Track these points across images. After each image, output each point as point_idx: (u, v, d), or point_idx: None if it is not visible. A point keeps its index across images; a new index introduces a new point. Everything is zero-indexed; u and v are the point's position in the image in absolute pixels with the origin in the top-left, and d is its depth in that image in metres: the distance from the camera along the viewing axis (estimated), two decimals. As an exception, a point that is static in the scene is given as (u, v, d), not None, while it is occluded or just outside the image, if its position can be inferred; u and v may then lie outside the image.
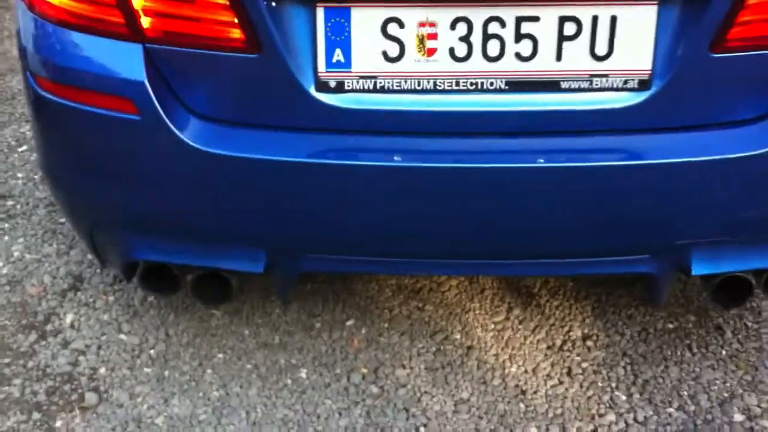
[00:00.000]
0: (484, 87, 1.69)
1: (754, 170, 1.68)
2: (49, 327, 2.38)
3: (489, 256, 1.88)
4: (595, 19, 1.62)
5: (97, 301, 2.47)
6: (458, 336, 2.34)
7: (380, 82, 1.70)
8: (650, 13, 1.60)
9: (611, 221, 1.77)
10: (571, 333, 2.34)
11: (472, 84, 1.69)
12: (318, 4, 1.64)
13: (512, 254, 1.86)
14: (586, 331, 2.35)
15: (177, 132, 1.72)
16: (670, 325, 2.36)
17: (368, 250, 1.88)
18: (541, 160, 1.69)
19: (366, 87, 1.71)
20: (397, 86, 1.70)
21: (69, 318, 2.41)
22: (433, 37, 1.66)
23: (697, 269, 1.83)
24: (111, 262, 2.09)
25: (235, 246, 1.89)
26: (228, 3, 1.62)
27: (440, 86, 1.70)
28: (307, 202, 1.79)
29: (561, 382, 2.19)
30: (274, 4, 1.61)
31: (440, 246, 1.84)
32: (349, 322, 2.39)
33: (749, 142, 1.67)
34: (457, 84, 1.69)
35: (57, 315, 2.42)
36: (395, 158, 1.72)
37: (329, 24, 1.66)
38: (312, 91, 1.70)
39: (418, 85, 1.70)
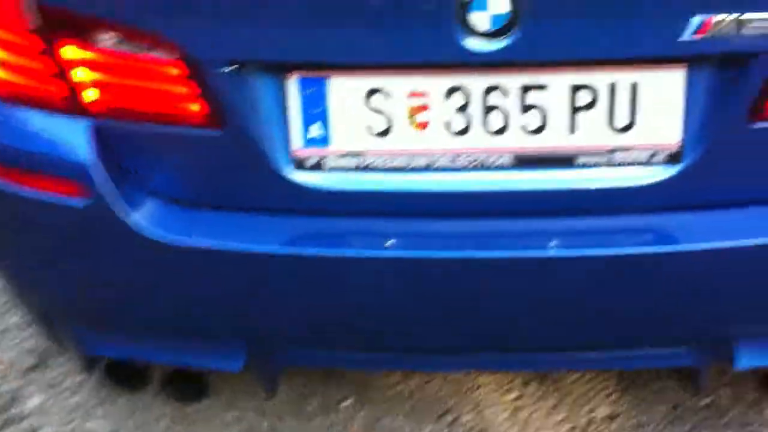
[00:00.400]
0: (487, 164, 1.52)
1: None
2: (13, 411, 2.23)
3: (498, 350, 1.71)
4: (612, 86, 1.44)
5: (66, 381, 2.31)
6: (469, 417, 2.17)
7: (366, 160, 1.54)
8: (677, 78, 1.43)
9: (641, 313, 1.59)
10: (595, 412, 2.17)
11: (473, 161, 1.52)
12: (289, 74, 1.47)
13: (527, 348, 1.69)
14: (612, 409, 2.17)
15: (134, 217, 1.56)
16: (705, 400, 2.19)
17: (361, 345, 1.71)
18: (557, 245, 1.52)
19: (350, 165, 1.54)
20: (385, 164, 1.53)
21: (35, 401, 2.27)
22: (425, 108, 1.48)
23: (744, 362, 1.65)
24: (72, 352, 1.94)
25: (208, 342, 1.73)
26: (183, 73, 1.45)
27: (436, 164, 1.53)
28: (288, 294, 1.63)
29: (585, 473, 2.02)
30: (236, 73, 1.44)
31: (439, 340, 1.68)
32: (346, 403, 2.23)
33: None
34: (456, 161, 1.52)
35: (21, 397, 2.27)
36: (386, 245, 1.55)
37: (304, 95, 1.49)
38: (287, 170, 1.54)
39: (411, 162, 1.53)
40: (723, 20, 1.33)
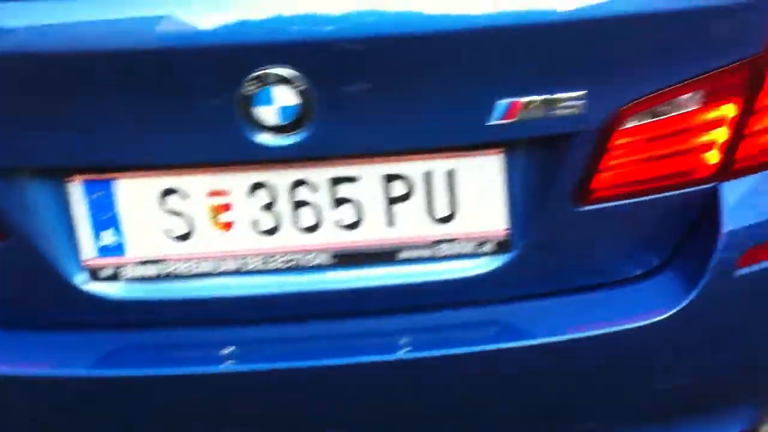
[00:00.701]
0: (303, 264, 1.43)
1: (645, 338, 1.44)
2: None
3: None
4: (428, 175, 1.37)
5: None
6: None
7: (168, 267, 1.43)
8: (495, 163, 1.37)
9: (486, 413, 1.51)
10: None
11: (287, 261, 1.43)
12: (70, 178, 1.36)
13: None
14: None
15: None
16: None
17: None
18: (387, 347, 1.44)
19: (151, 274, 1.43)
20: (191, 270, 1.43)
21: None
22: (228, 208, 1.39)
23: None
24: None
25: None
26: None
27: (247, 266, 1.43)
28: (93, 420, 1.50)
29: None
30: (6, 179, 1.33)
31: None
32: None
33: (634, 306, 1.44)
34: (268, 262, 1.43)
35: None
36: (195, 358, 1.44)
37: (90, 200, 1.39)
38: (80, 282, 1.43)
39: (219, 266, 1.43)
40: (531, 102, 1.28)
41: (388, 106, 1.28)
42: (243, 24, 1.22)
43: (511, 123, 1.30)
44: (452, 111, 1.29)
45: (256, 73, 1.23)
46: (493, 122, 1.29)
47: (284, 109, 1.26)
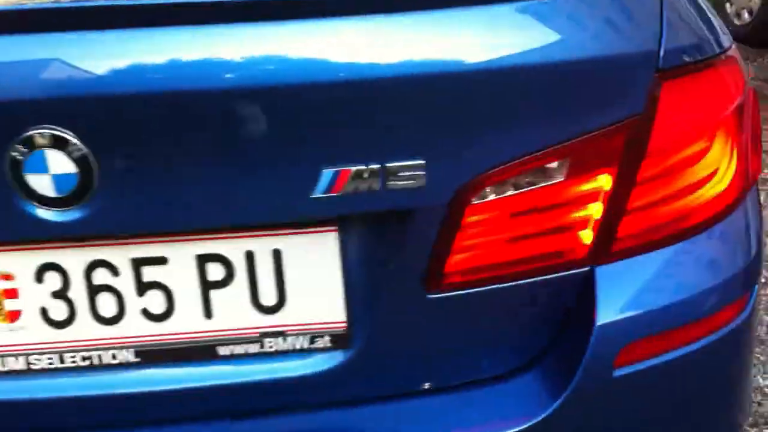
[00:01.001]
0: (105, 361, 1.24)
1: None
2: None
3: None
4: (250, 256, 1.20)
5: None
6: None
7: (-59, 365, 1.23)
8: (328, 242, 1.20)
9: None
10: None
11: (83, 358, 1.24)
12: None
13: None
14: None
15: None
16: None
17: None
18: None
19: None
20: (-31, 368, 1.23)
21: None
22: (14, 294, 1.20)
23: None
24: None
25: None
26: None
27: (35, 364, 1.24)
28: None
29: None
30: None
31: None
32: None
33: (493, 412, 1.28)
34: (63, 359, 1.24)
35: None
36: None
37: None
38: None
39: (2, 364, 1.23)
40: (362, 172, 1.13)
41: (194, 176, 1.12)
42: (6, 78, 1.05)
43: (340, 196, 1.14)
44: (269, 182, 1.13)
45: (24, 135, 1.06)
46: (318, 195, 1.13)
47: (60, 178, 1.08)
